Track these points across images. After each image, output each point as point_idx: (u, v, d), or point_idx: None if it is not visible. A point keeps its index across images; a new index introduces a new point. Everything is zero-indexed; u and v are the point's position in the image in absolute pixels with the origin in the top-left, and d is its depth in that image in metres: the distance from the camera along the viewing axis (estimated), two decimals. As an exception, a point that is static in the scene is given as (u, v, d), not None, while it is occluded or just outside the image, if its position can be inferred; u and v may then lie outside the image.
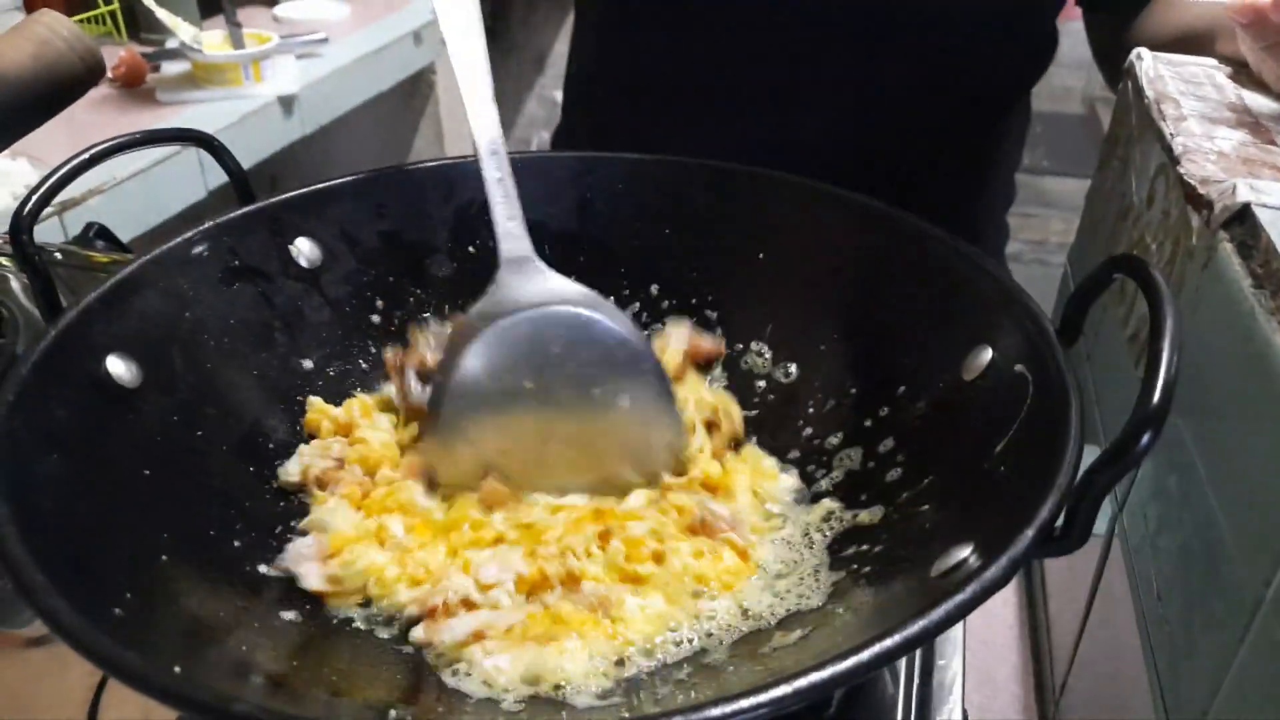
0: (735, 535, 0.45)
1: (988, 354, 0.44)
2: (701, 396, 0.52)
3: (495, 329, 0.46)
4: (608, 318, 0.48)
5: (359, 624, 0.44)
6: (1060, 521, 0.33)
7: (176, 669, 0.30)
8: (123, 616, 0.34)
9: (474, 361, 0.46)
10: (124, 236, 0.82)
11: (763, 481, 0.50)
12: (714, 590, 0.43)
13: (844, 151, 0.74)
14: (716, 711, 0.27)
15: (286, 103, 1.39)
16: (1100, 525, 0.52)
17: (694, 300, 0.58)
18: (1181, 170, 0.46)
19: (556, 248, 0.58)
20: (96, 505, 0.39)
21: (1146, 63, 0.59)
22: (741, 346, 0.57)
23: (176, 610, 0.38)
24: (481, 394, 0.46)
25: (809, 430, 0.53)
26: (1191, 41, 0.66)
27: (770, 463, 0.51)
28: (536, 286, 0.48)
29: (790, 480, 0.50)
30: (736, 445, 0.52)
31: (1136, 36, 0.74)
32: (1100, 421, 0.56)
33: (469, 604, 0.42)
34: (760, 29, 0.72)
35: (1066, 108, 3.16)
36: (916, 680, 0.46)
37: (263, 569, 0.44)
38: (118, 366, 0.44)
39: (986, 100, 0.78)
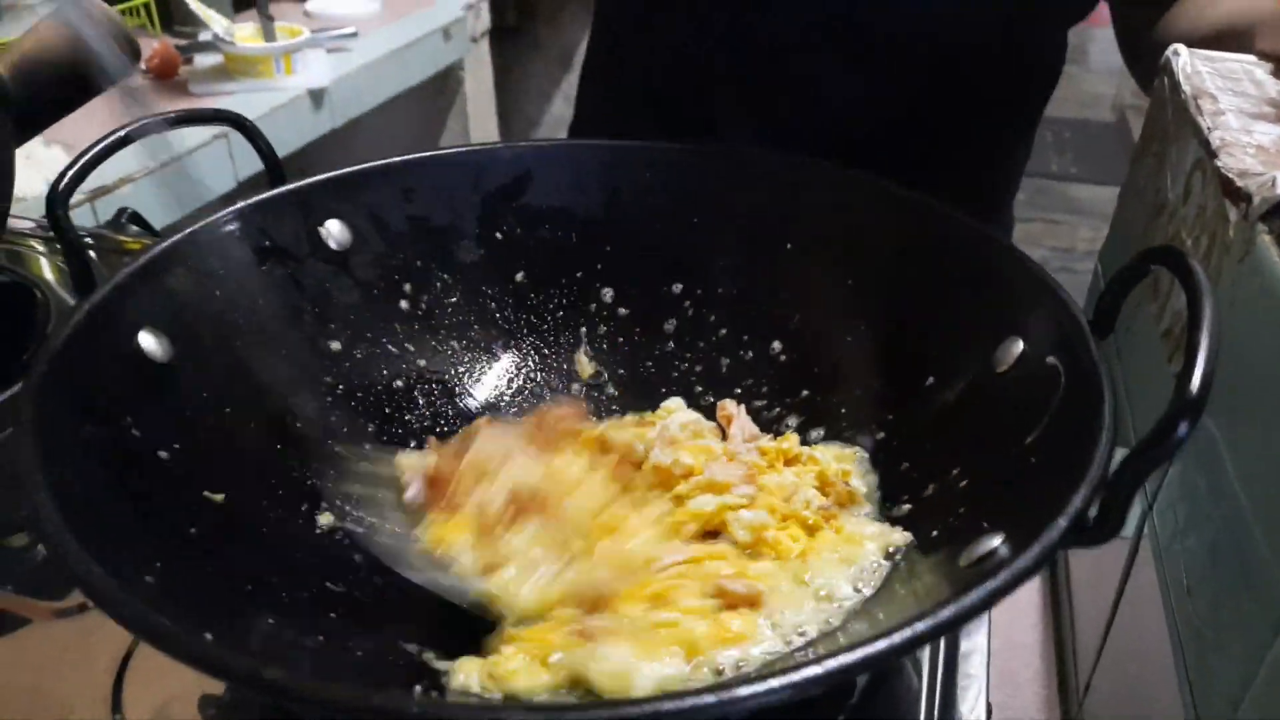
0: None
1: (1019, 345, 0.43)
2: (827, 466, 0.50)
3: None
4: None
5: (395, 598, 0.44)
6: (1094, 512, 0.32)
7: (208, 636, 0.31)
8: (154, 584, 0.34)
9: None
10: (155, 224, 0.82)
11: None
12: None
13: (853, 147, 0.74)
14: (744, 691, 0.27)
15: (317, 96, 1.40)
16: (1129, 526, 0.51)
17: (719, 290, 0.57)
18: (1219, 164, 0.45)
19: (583, 235, 0.58)
20: (128, 477, 0.39)
21: (1184, 58, 0.59)
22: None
23: (207, 580, 0.38)
24: None
25: (835, 421, 0.52)
26: (1228, 38, 0.65)
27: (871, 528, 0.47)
28: None
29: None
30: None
31: (1168, 32, 0.73)
32: (1131, 421, 0.55)
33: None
34: (769, 28, 0.72)
35: (1096, 115, 3.14)
36: (940, 675, 0.46)
37: (290, 543, 0.44)
38: (149, 342, 0.44)
39: (995, 111, 0.78)
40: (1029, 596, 0.64)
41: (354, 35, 1.55)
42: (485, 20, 1.91)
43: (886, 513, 0.47)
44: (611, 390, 0.59)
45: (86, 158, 0.44)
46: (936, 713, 0.45)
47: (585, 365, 0.59)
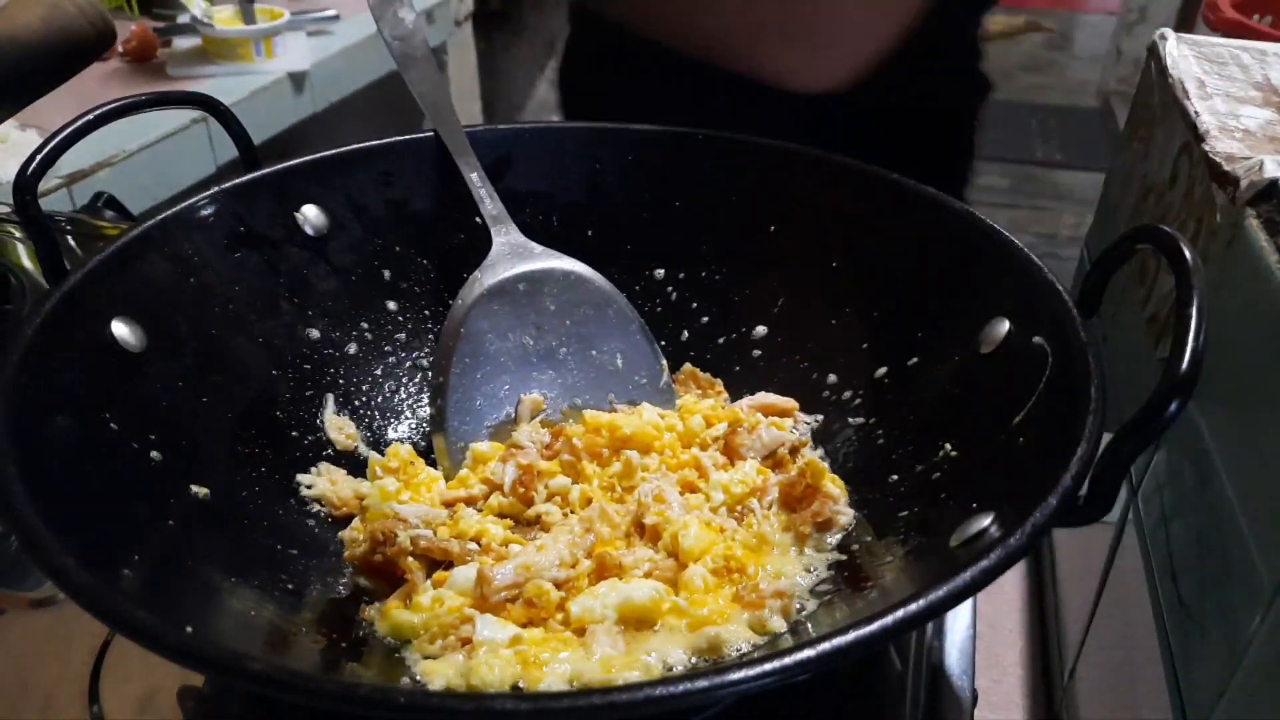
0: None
1: (1004, 326, 0.43)
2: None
3: (495, 285, 0.51)
4: (597, 278, 0.53)
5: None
6: (1083, 491, 0.32)
7: (189, 629, 0.30)
8: (132, 577, 0.34)
9: (478, 321, 0.51)
10: (132, 210, 0.81)
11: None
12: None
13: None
14: (736, 675, 0.27)
15: (297, 79, 1.38)
16: (1114, 510, 0.51)
17: (703, 274, 0.57)
18: (1207, 148, 0.45)
19: (564, 219, 0.58)
20: (103, 468, 0.39)
21: (1170, 43, 0.58)
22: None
23: (185, 573, 0.37)
24: (487, 351, 0.51)
25: (820, 403, 0.52)
26: None
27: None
28: (528, 259, 0.52)
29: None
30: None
31: None
32: (1117, 409, 0.55)
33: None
34: None
35: (1080, 101, 3.13)
36: (926, 660, 0.46)
37: (269, 536, 0.44)
38: (123, 330, 0.43)
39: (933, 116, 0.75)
40: (1013, 580, 0.64)
41: (335, 18, 1.53)
42: (469, 3, 1.89)
43: (865, 494, 0.47)
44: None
45: (54, 142, 0.43)
46: (922, 697, 0.45)
47: None
